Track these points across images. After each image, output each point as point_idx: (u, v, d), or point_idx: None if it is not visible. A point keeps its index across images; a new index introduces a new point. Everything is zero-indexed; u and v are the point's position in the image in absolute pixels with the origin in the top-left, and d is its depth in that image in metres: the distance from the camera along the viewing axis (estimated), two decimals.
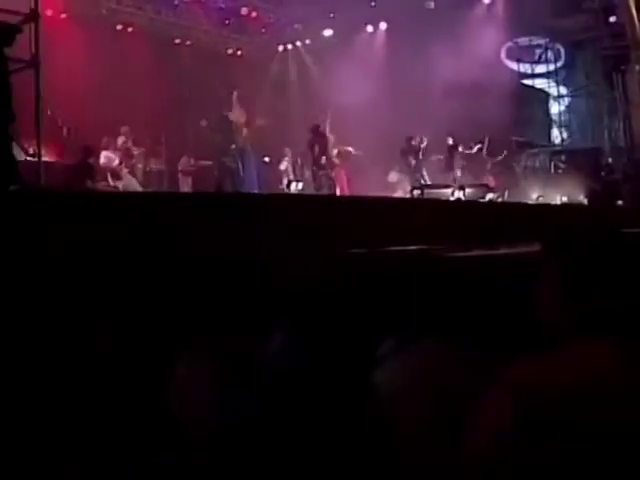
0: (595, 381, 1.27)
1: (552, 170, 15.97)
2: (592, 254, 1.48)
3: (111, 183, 13.00)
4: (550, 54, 17.69)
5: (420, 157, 14.90)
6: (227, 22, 18.07)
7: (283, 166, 15.25)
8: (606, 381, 1.27)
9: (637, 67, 15.04)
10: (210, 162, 15.09)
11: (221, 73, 16.92)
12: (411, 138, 15.01)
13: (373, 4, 17.58)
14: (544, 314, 1.52)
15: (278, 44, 18.50)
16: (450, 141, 14.95)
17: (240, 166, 14.62)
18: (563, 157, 16.12)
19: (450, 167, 14.81)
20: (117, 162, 13.48)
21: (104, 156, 13.39)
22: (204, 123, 14.09)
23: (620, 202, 12.76)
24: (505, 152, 15.80)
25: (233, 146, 14.80)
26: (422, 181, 14.69)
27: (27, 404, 2.27)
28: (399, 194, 14.36)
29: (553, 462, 1.26)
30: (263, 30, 18.78)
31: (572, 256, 1.49)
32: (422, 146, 14.88)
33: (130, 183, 13.42)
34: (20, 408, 2.26)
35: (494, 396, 1.31)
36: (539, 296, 1.56)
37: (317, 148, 14.25)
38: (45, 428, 2.23)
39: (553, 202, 14.07)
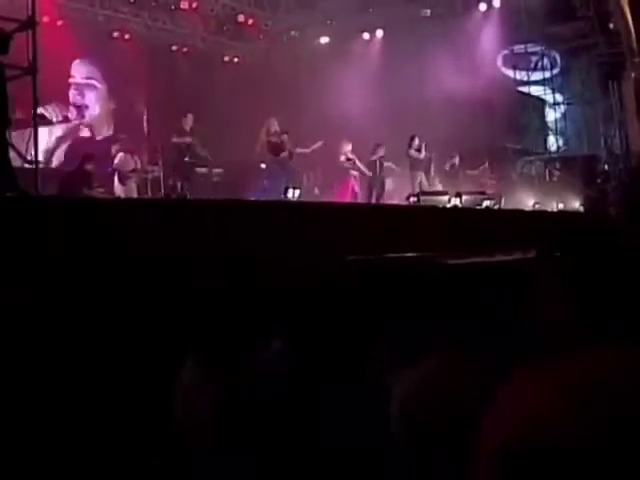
0: (609, 387, 1.27)
1: (547, 178, 16.01)
2: (590, 260, 1.48)
3: (116, 189, 13.00)
4: (546, 61, 17.76)
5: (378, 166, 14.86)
6: (224, 29, 18.10)
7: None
8: (619, 387, 1.27)
9: (633, 74, 15.09)
10: (206, 169, 15.07)
11: (218, 80, 16.93)
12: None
13: (371, 10, 17.61)
14: (545, 320, 1.52)
15: (275, 51, 18.55)
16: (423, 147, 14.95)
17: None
18: (558, 165, 16.19)
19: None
20: (131, 167, 13.51)
21: (119, 157, 13.42)
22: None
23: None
24: (486, 163, 15.85)
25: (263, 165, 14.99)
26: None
27: (26, 402, 2.27)
28: (395, 201, 14.35)
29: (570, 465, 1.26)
30: (260, 37, 18.81)
31: (570, 262, 1.49)
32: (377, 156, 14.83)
33: (130, 192, 13.42)
34: (19, 407, 2.26)
35: (498, 401, 1.31)
36: (539, 302, 1.56)
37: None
38: (43, 428, 2.23)
39: (549, 209, 14.10)
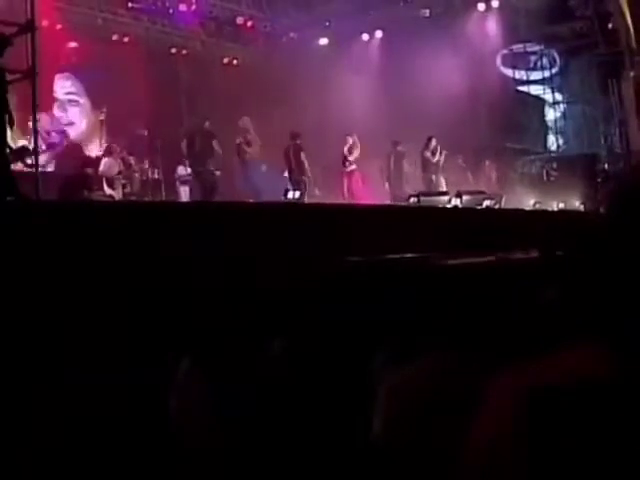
0: (593, 384, 1.28)
1: (545, 177, 15.98)
2: (588, 258, 1.48)
3: (107, 192, 12.98)
4: (545, 61, 17.75)
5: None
6: (223, 31, 18.10)
7: (286, 173, 15.16)
8: (602, 385, 1.28)
9: (632, 73, 15.08)
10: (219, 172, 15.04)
11: (217, 82, 16.94)
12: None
13: (370, 12, 17.59)
14: (543, 317, 1.52)
15: (274, 53, 18.54)
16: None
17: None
18: (555, 165, 16.13)
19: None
20: (116, 170, 13.49)
21: (104, 163, 13.40)
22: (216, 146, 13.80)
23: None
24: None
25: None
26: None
27: (28, 404, 2.28)
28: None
29: (552, 463, 1.27)
30: (259, 39, 18.82)
31: (569, 260, 1.50)
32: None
33: (119, 194, 13.39)
34: (20, 409, 2.27)
35: (494, 398, 1.31)
36: (537, 300, 1.56)
37: (292, 154, 14.32)
38: (43, 429, 2.23)
39: (550, 208, 14.08)
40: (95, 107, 15.74)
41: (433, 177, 14.91)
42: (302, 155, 14.23)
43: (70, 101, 15.56)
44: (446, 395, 1.55)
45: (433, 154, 14.82)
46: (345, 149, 14.88)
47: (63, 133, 15.04)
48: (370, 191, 15.07)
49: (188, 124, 15.37)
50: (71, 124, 15.51)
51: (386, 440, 1.54)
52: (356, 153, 14.86)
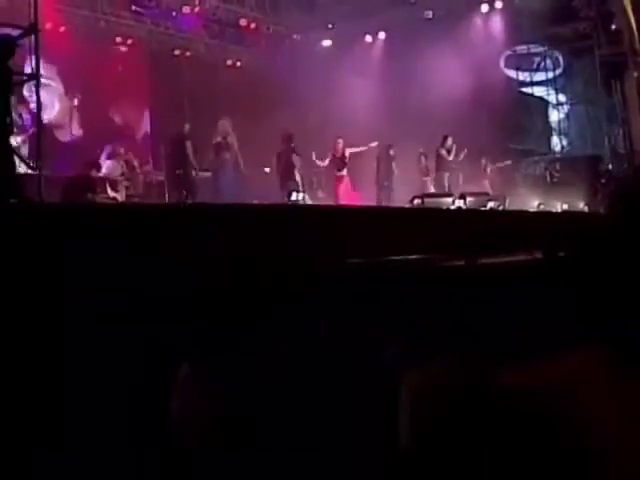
0: (589, 391, 1.27)
1: (548, 179, 15.96)
2: (592, 259, 1.47)
3: (110, 194, 13.00)
4: (549, 62, 17.73)
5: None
6: (226, 33, 18.13)
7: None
8: (598, 393, 1.27)
9: (635, 74, 15.07)
10: (209, 173, 15.07)
11: (220, 84, 16.96)
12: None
13: (374, 15, 17.59)
14: (542, 321, 1.52)
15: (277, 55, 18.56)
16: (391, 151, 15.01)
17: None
18: (558, 166, 16.12)
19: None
20: (120, 173, 13.51)
21: (106, 166, 13.42)
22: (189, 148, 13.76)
23: None
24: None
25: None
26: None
27: (29, 404, 2.28)
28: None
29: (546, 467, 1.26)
30: (262, 41, 18.84)
31: (572, 261, 1.49)
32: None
33: (123, 195, 13.38)
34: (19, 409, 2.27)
35: (490, 401, 1.31)
36: (542, 303, 1.55)
37: (284, 158, 14.27)
38: (45, 426, 2.23)
39: (554, 210, 14.06)
40: (69, 92, 15.37)
41: (446, 175, 14.92)
42: (293, 157, 14.22)
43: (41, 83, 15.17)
44: (457, 395, 1.54)
45: (448, 152, 14.84)
46: (338, 153, 14.86)
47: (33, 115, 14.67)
48: (361, 195, 15.04)
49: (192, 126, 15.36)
50: (43, 107, 15.03)
51: (416, 440, 1.54)
52: (346, 155, 14.84)
